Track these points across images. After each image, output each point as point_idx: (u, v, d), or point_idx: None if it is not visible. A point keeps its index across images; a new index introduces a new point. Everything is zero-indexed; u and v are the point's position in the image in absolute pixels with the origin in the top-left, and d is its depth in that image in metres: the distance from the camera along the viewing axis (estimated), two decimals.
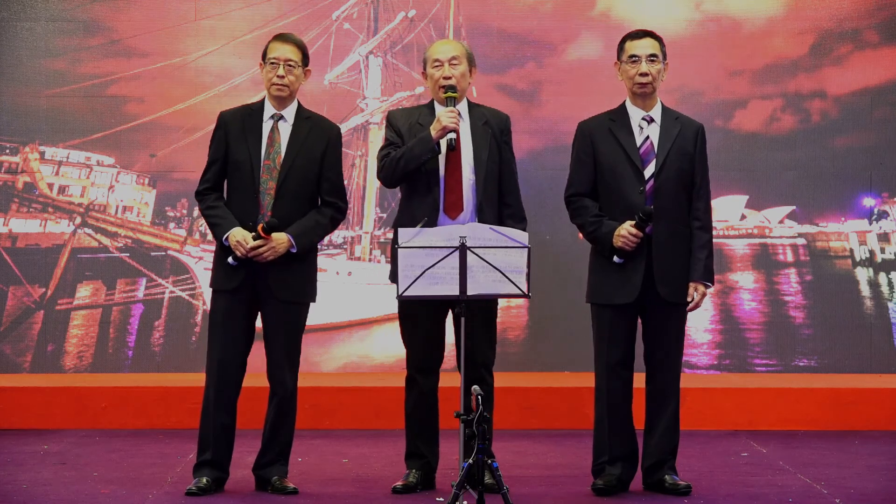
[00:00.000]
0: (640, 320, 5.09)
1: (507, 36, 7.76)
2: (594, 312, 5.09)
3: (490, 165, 5.10)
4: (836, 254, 7.77)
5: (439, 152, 5.00)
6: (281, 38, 5.14)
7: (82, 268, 7.67)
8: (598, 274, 5.08)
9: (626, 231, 4.90)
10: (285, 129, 5.10)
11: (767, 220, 7.80)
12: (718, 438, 6.58)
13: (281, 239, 4.98)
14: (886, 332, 7.74)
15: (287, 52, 5.07)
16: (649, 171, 4.99)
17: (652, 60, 5.00)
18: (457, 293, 4.59)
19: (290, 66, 5.06)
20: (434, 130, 4.96)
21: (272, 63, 5.05)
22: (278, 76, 5.04)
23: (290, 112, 5.14)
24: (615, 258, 4.95)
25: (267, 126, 5.10)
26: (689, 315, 5.10)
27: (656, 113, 5.07)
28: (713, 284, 5.13)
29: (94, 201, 7.71)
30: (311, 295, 5.17)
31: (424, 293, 4.61)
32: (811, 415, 6.89)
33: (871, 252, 7.76)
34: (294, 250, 5.02)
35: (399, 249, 4.60)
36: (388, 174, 5.08)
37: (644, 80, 5.00)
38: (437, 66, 5.09)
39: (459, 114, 5.07)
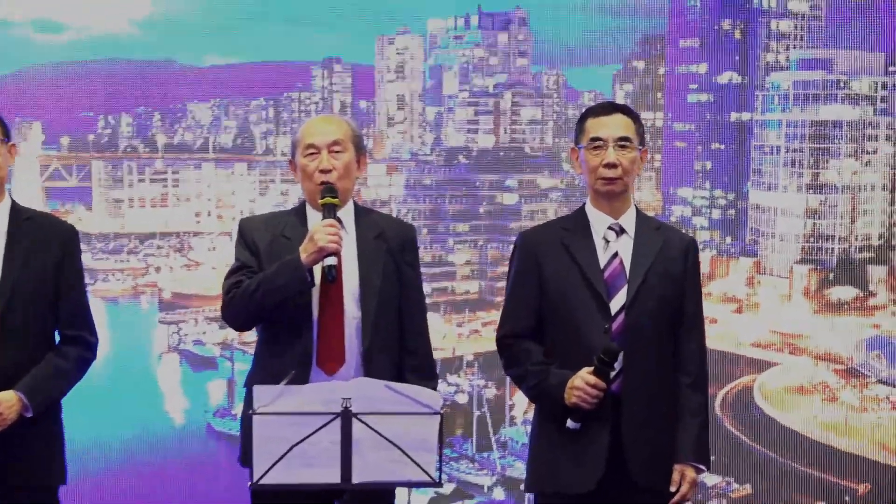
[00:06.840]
0: None
1: None
2: None
3: (385, 296, 3.65)
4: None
5: (313, 284, 3.55)
6: None
7: None
8: (542, 450, 3.64)
9: (581, 381, 3.50)
10: None
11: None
12: None
13: (9, 401, 3.58)
14: None
15: None
16: (618, 301, 3.58)
17: (622, 146, 3.60)
18: (338, 480, 3.27)
19: None
20: (305, 252, 3.50)
21: None
22: None
23: (1, 212, 3.72)
24: (568, 422, 3.54)
25: None
26: None
27: (628, 221, 3.66)
28: (708, 468, 3.65)
29: None
30: (59, 475, 3.75)
31: (290, 480, 3.28)
32: None
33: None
34: (29, 414, 3.62)
35: (254, 417, 3.22)
36: (238, 312, 3.59)
37: (610, 173, 3.59)
38: (311, 155, 3.66)
39: (343, 226, 3.63)
